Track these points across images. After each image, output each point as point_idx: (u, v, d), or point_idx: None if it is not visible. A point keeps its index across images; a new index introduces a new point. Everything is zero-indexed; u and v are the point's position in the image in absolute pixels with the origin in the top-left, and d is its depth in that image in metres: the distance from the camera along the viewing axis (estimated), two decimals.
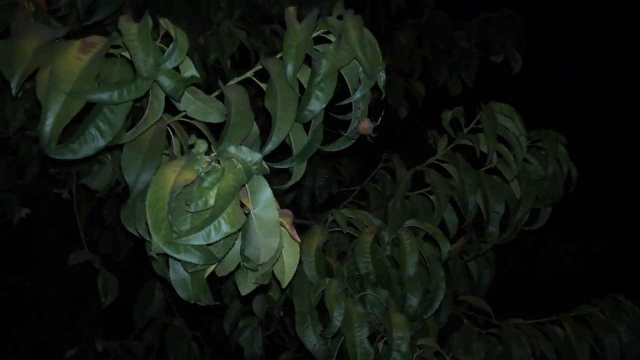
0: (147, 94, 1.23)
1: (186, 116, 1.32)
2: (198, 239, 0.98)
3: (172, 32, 1.10)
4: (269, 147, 1.20)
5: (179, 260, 1.04)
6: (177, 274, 1.14)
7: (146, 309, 2.43)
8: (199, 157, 1.05)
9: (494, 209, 1.83)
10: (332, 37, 1.30)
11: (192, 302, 1.18)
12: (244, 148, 1.06)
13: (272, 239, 1.07)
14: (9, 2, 1.61)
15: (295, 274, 1.73)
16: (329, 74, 1.21)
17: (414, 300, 1.64)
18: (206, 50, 1.97)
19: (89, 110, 1.15)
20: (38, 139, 1.05)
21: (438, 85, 2.94)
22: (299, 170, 1.35)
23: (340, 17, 1.29)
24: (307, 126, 1.34)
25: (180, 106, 1.26)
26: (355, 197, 2.43)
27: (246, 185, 1.09)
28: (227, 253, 1.10)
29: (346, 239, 1.91)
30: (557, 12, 4.85)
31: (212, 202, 1.00)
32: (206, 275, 1.15)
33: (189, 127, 1.39)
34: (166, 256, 1.09)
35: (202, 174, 1.03)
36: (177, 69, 1.17)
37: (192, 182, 1.03)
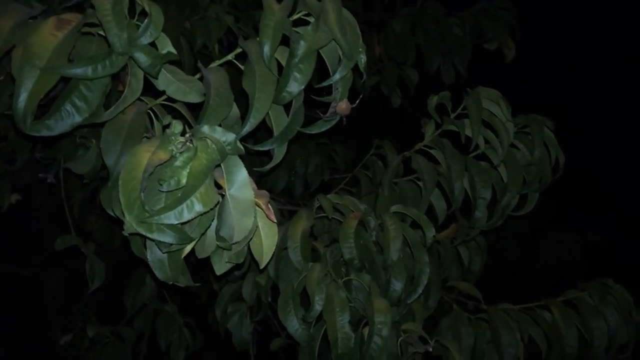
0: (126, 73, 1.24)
1: (169, 100, 1.32)
2: (170, 217, 0.98)
3: (147, 8, 1.09)
4: (246, 128, 1.20)
5: (152, 240, 1.04)
6: (154, 255, 1.14)
7: (137, 296, 2.44)
8: (173, 137, 1.05)
9: (481, 195, 1.83)
10: (312, 20, 1.29)
11: (170, 282, 1.18)
12: (218, 128, 1.06)
13: (247, 218, 1.07)
14: None
15: (281, 259, 1.74)
16: (307, 55, 1.21)
17: (397, 285, 1.64)
18: (193, 35, 1.97)
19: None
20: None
21: (431, 72, 2.93)
22: (279, 152, 1.35)
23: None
24: (288, 108, 1.34)
25: (160, 86, 1.25)
26: (347, 183, 2.43)
27: (222, 166, 1.09)
28: (203, 234, 1.10)
29: (337, 226, 1.91)
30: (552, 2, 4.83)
31: (184, 181, 1.00)
32: (183, 255, 1.15)
33: (173, 112, 1.39)
34: (144, 237, 1.09)
35: (176, 154, 1.02)
36: (154, 46, 1.17)
37: (167, 162, 1.03)
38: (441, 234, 2.09)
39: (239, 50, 1.31)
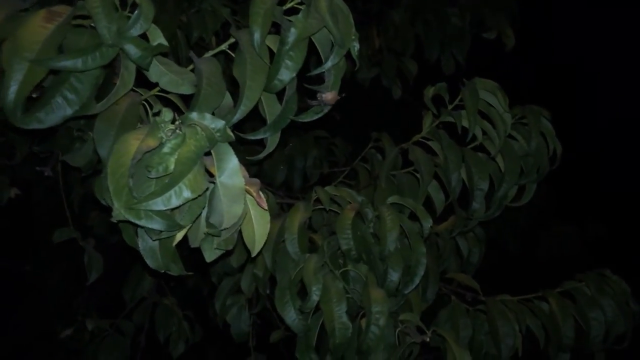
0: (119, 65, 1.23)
1: (163, 91, 1.32)
2: (158, 204, 0.98)
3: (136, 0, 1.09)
4: (237, 116, 1.20)
5: (141, 227, 1.04)
6: (145, 243, 1.14)
7: (137, 289, 2.44)
8: (162, 125, 1.05)
9: (478, 186, 1.82)
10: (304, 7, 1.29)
11: (162, 271, 1.18)
12: (207, 115, 1.06)
13: (237, 205, 1.07)
14: None
15: (278, 251, 1.75)
16: (298, 43, 1.20)
17: (394, 276, 1.63)
18: (190, 27, 1.97)
19: None
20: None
21: (431, 62, 2.92)
22: (272, 141, 1.35)
23: None
24: (282, 97, 1.34)
25: (152, 78, 1.25)
26: (346, 176, 2.43)
27: (212, 153, 1.09)
28: (194, 222, 1.10)
29: (335, 218, 1.91)
30: None
31: (172, 167, 0.99)
32: (174, 243, 1.15)
33: (168, 103, 1.39)
34: (134, 225, 1.09)
35: (165, 141, 1.02)
36: (145, 38, 1.17)
37: (155, 149, 1.03)
38: (440, 226, 2.09)
39: (232, 40, 1.31)
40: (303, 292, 1.63)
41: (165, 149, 0.99)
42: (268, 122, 1.33)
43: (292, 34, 1.20)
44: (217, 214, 1.07)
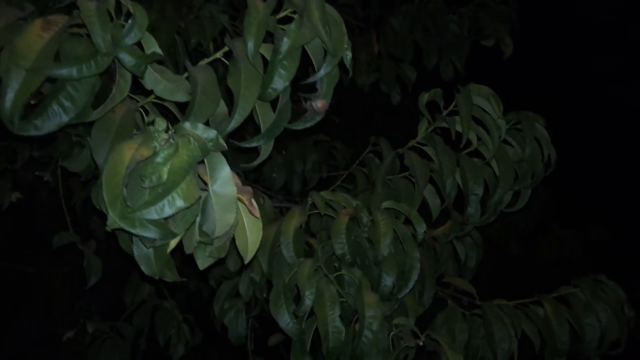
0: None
1: (159, 98, 1.34)
2: (151, 213, 1.00)
3: (130, 9, 1.11)
4: (232, 125, 1.22)
5: (136, 236, 1.06)
6: (140, 250, 1.16)
7: (137, 292, 2.47)
8: (156, 134, 1.07)
9: (473, 191, 1.84)
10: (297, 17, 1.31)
11: (157, 277, 1.20)
12: (200, 125, 1.08)
13: (229, 214, 1.09)
14: None
15: (274, 255, 1.76)
16: (291, 52, 1.22)
17: (388, 280, 1.65)
18: (188, 34, 1.99)
19: None
20: None
21: (429, 69, 2.94)
22: (266, 149, 1.37)
23: None
24: (276, 105, 1.35)
25: (148, 85, 1.27)
26: (344, 181, 2.44)
27: (205, 163, 1.11)
28: (187, 229, 1.12)
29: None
30: None
31: (165, 177, 1.01)
32: (169, 250, 1.17)
33: (165, 110, 1.41)
34: (131, 234, 1.11)
35: (159, 151, 1.04)
36: (139, 46, 1.19)
37: (149, 158, 1.04)
38: (437, 231, 2.11)
39: (227, 48, 1.33)
40: (298, 296, 1.65)
41: (158, 159, 1.01)
42: (262, 130, 1.35)
43: (285, 44, 1.21)
44: (210, 222, 1.09)
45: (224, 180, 1.10)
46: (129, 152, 1.05)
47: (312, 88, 1.37)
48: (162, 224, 1.04)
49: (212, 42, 2.04)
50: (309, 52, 1.31)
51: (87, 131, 1.70)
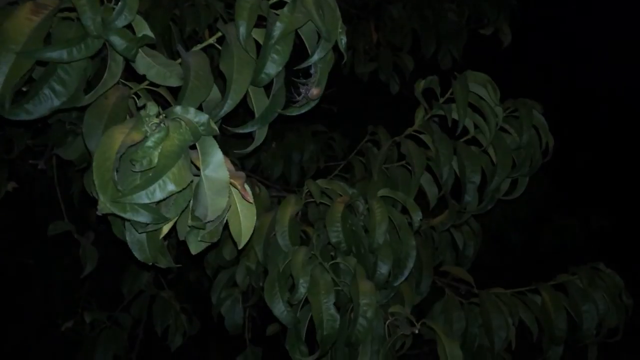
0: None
1: (152, 84, 1.33)
2: (142, 197, 0.99)
3: None
4: (224, 109, 1.21)
5: (127, 220, 1.05)
6: (133, 236, 1.16)
7: (135, 282, 2.46)
8: (147, 118, 1.06)
9: (470, 179, 1.83)
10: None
11: (151, 263, 1.19)
12: (191, 109, 1.07)
13: (221, 198, 1.08)
14: None
15: (270, 244, 1.76)
16: (284, 36, 1.21)
17: (384, 268, 1.65)
18: (183, 21, 1.98)
19: None
20: None
21: (427, 58, 2.92)
22: (260, 134, 1.36)
23: None
24: (269, 91, 1.34)
25: (140, 70, 1.26)
26: (342, 170, 2.43)
27: (197, 147, 1.10)
28: (180, 214, 1.12)
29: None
30: None
31: (156, 161, 1.00)
32: (161, 236, 1.16)
33: (158, 97, 1.40)
34: (123, 219, 1.10)
35: (149, 135, 1.03)
36: (131, 29, 1.18)
37: (139, 142, 1.04)
38: (436, 220, 2.10)
39: (220, 34, 1.32)
40: (293, 284, 1.64)
41: (149, 143, 1.00)
42: (256, 115, 1.34)
43: (277, 28, 1.20)
44: (202, 206, 1.08)
45: (216, 165, 1.09)
46: (120, 136, 1.04)
47: (308, 74, 1.36)
48: (154, 208, 1.03)
49: (207, 30, 2.02)
50: (302, 37, 1.30)
51: (81, 119, 1.70)
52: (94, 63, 1.28)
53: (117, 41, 1.12)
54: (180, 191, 1.03)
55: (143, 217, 1.03)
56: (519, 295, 1.98)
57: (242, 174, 1.16)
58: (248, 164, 2.69)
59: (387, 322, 1.64)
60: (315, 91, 1.30)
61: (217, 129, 1.09)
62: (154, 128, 1.05)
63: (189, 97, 1.20)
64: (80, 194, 2.69)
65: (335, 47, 1.30)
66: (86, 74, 1.19)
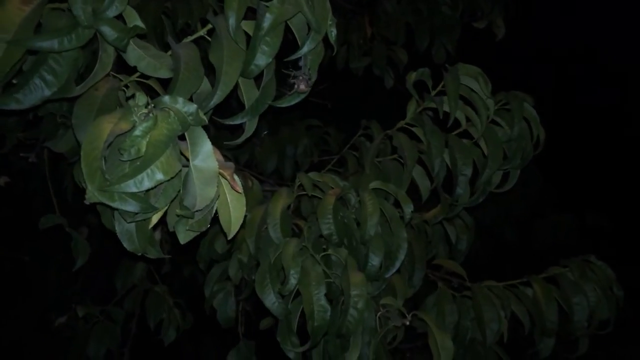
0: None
1: (143, 77, 1.33)
2: (130, 186, 0.99)
3: None
4: (214, 101, 1.21)
5: (116, 209, 1.05)
6: (122, 226, 1.16)
7: (128, 277, 2.46)
8: (136, 108, 1.06)
9: (462, 172, 1.83)
10: None
11: (140, 254, 1.19)
12: (180, 99, 1.07)
13: (210, 188, 1.09)
14: None
15: (262, 236, 1.76)
16: (274, 28, 1.21)
17: (375, 260, 1.65)
18: (175, 14, 1.97)
19: None
20: None
21: (421, 52, 2.92)
22: (250, 126, 1.36)
23: None
24: (260, 83, 1.34)
25: (131, 61, 1.26)
26: (335, 164, 2.44)
27: (186, 137, 1.10)
28: (169, 205, 1.12)
29: None
30: None
31: (144, 150, 1.01)
32: (150, 226, 1.16)
33: (149, 89, 1.40)
34: (112, 209, 1.10)
35: (137, 124, 1.03)
36: (122, 20, 1.18)
37: (128, 132, 1.04)
38: (429, 214, 2.10)
39: (211, 26, 1.32)
40: (283, 276, 1.64)
41: (137, 132, 1.00)
42: (246, 107, 1.34)
43: (267, 19, 1.20)
44: (191, 196, 1.08)
45: (205, 155, 1.09)
46: (108, 125, 1.04)
47: (298, 66, 1.36)
48: (142, 197, 1.03)
49: (199, 24, 2.02)
50: (292, 28, 1.30)
51: (72, 111, 1.70)
52: (85, 55, 1.28)
53: (108, 31, 1.12)
54: (169, 180, 1.03)
55: (131, 207, 1.03)
56: (511, 288, 1.99)
57: (232, 164, 1.16)
58: (242, 158, 2.69)
59: (379, 314, 1.65)
60: (303, 85, 1.31)
61: (205, 119, 1.09)
62: (142, 117, 1.05)
63: (179, 89, 1.20)
64: (73, 188, 2.69)
65: (328, 42, 1.30)
66: (77, 65, 1.19)
